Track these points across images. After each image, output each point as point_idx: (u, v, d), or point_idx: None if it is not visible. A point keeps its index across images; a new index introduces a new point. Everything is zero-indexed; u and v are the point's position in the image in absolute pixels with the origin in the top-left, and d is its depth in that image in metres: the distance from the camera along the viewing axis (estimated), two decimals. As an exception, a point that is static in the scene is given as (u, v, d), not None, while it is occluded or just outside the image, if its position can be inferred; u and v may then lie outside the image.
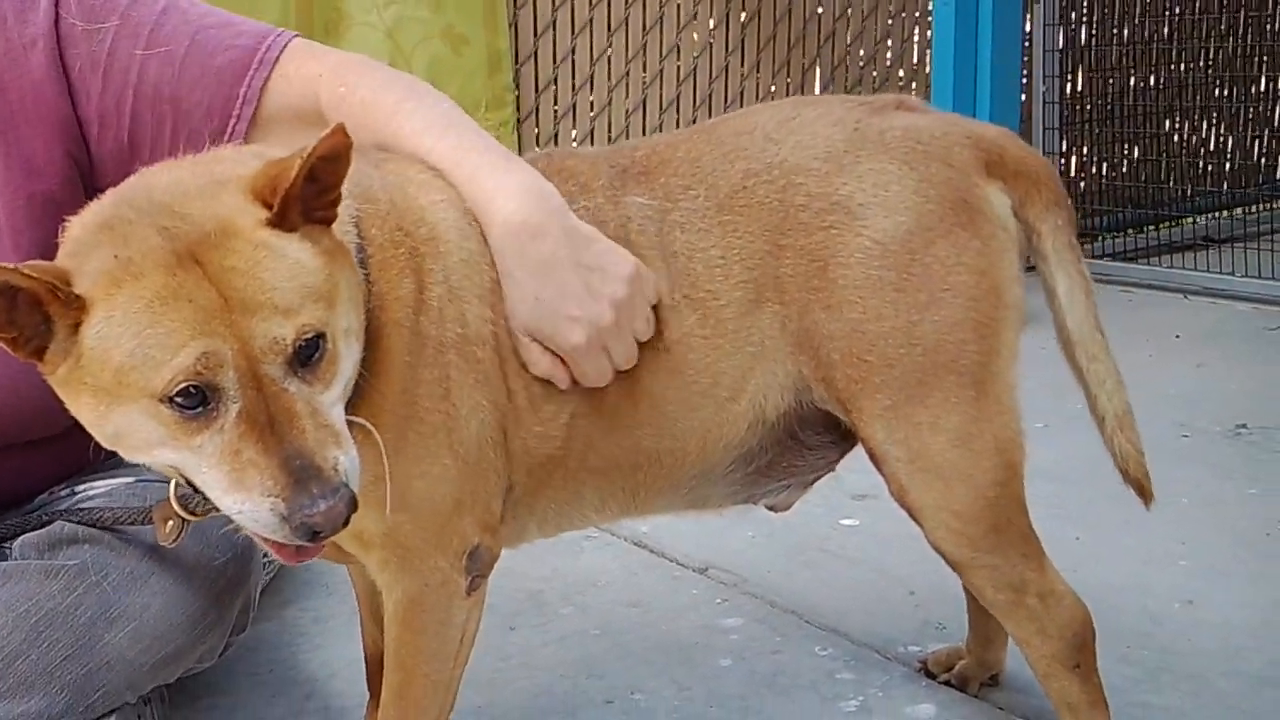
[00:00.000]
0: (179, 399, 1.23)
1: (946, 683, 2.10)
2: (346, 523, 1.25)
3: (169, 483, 1.59)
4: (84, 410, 1.30)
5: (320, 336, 1.29)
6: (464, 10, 4.20)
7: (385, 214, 1.50)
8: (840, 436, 1.71)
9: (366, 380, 1.43)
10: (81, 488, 1.92)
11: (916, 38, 5.71)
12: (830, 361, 1.60)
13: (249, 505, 1.24)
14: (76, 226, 1.34)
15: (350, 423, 1.35)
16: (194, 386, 1.22)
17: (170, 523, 1.62)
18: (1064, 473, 2.99)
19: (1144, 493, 1.74)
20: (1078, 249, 1.69)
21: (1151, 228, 6.29)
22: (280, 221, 1.29)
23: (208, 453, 1.25)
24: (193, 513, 1.60)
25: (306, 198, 1.31)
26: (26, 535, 1.79)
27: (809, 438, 1.71)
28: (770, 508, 1.87)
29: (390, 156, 1.61)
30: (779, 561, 2.65)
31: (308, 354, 1.27)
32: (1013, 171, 1.65)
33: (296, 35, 1.80)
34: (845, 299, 1.58)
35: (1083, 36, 6.22)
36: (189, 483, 1.34)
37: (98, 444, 1.96)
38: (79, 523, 1.78)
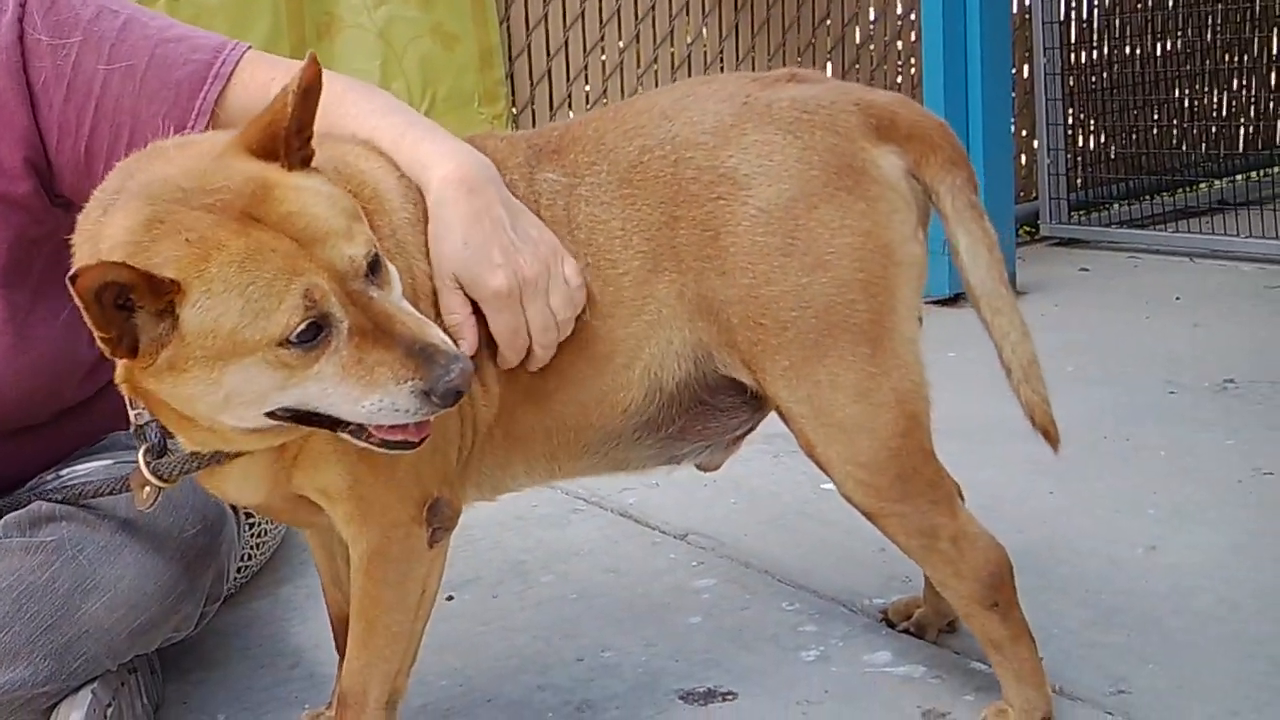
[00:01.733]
0: (298, 337, 1.34)
1: (905, 630, 2.17)
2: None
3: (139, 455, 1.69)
4: (189, 385, 1.38)
5: (374, 247, 1.43)
6: (453, 8, 4.28)
7: (332, 181, 1.58)
8: (753, 396, 1.77)
9: None
10: (66, 471, 2.02)
11: (913, 16, 5.73)
12: (731, 326, 1.66)
13: (388, 399, 1.37)
14: (121, 232, 1.37)
15: None
16: (310, 320, 1.34)
17: (146, 489, 1.70)
18: (1045, 431, 3.03)
19: (1051, 439, 1.77)
20: (979, 207, 1.72)
21: (1164, 194, 6.28)
22: (290, 166, 1.43)
23: (329, 374, 1.37)
24: (164, 479, 1.68)
25: (293, 135, 1.44)
26: (8, 515, 1.89)
27: (719, 401, 1.77)
28: (700, 467, 1.93)
29: (326, 137, 1.70)
30: (757, 526, 2.72)
31: (373, 264, 1.41)
32: (905, 134, 1.70)
33: (250, 47, 1.91)
34: (737, 265, 1.64)
35: (1085, 8, 6.24)
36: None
37: (82, 431, 2.07)
38: (59, 501, 1.88)
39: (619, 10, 4.96)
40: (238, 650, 2.32)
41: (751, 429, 1.87)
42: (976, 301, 1.74)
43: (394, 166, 1.69)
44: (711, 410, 1.78)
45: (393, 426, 1.43)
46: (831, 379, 1.64)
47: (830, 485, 2.88)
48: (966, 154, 1.73)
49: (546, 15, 4.76)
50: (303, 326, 1.33)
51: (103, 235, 1.41)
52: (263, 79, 1.84)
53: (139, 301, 1.32)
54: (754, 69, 5.35)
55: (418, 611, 1.76)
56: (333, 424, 1.44)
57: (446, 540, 1.74)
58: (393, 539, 1.66)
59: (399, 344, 1.37)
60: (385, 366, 1.37)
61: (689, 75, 5.22)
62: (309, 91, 1.43)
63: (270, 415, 1.42)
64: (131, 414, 1.62)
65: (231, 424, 1.44)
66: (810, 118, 1.67)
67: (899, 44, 5.87)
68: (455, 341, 1.62)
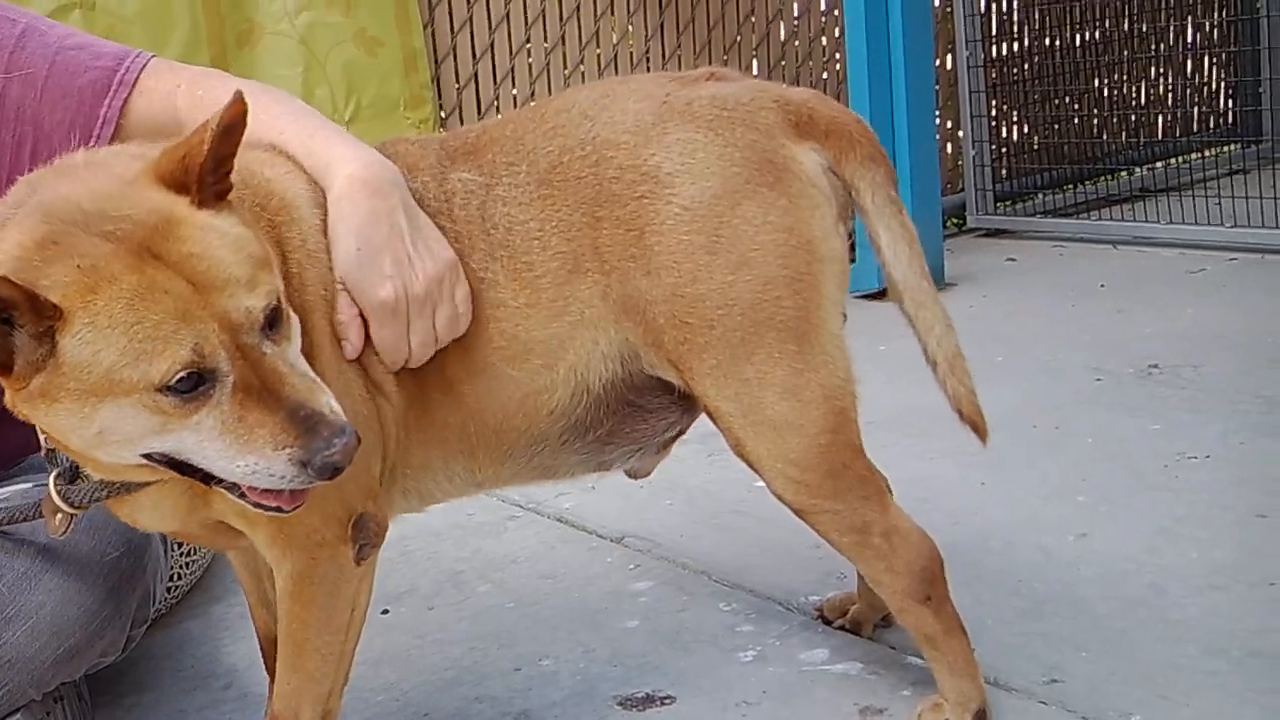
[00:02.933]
0: (177, 385, 1.29)
1: (841, 627, 2.17)
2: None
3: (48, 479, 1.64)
4: (61, 416, 1.33)
5: (278, 299, 1.37)
6: (376, 13, 4.23)
7: (240, 194, 1.54)
8: (682, 398, 1.76)
9: None
10: (-18, 498, 1.97)
11: (837, 12, 5.76)
12: (657, 326, 1.65)
13: (263, 463, 1.32)
14: (14, 248, 1.32)
15: None
16: (191, 371, 1.29)
17: (59, 515, 1.65)
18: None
19: (979, 431, 1.77)
20: (899, 202, 1.73)
21: (1086, 183, 6.38)
22: (201, 202, 1.37)
23: (207, 428, 1.32)
24: (75, 505, 1.64)
25: (209, 172, 1.39)
26: (-75, 545, 1.84)
27: (648, 402, 1.76)
28: (629, 474, 1.92)
29: None
30: (693, 526, 2.72)
31: (272, 317, 1.36)
32: (824, 131, 1.70)
33: (154, 56, 1.87)
34: (662, 265, 1.63)
35: (1005, 0, 6.31)
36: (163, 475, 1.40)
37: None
38: (-28, 530, 1.83)
39: (544, 12, 4.93)
40: (170, 672, 2.28)
41: (681, 432, 1.86)
42: (899, 296, 1.75)
43: (302, 172, 1.67)
44: (640, 412, 1.77)
45: (265, 490, 1.38)
46: (759, 377, 1.64)
47: (764, 484, 2.90)
48: (884, 150, 1.74)
49: (471, 18, 4.72)
50: (183, 375, 1.29)
51: None
52: (167, 86, 1.81)
53: (20, 319, 1.27)
54: (680, 68, 5.35)
55: (348, 631, 1.72)
56: (206, 477, 1.39)
57: (374, 556, 1.71)
58: (318, 560, 1.63)
59: (283, 407, 1.32)
60: (265, 429, 1.32)
61: (616, 75, 5.21)
62: (230, 129, 1.38)
63: (147, 457, 1.38)
64: (42, 437, 1.58)
65: (106, 461, 1.40)
66: (730, 115, 1.67)
67: (823, 40, 5.90)
68: (340, 340, 1.61)
